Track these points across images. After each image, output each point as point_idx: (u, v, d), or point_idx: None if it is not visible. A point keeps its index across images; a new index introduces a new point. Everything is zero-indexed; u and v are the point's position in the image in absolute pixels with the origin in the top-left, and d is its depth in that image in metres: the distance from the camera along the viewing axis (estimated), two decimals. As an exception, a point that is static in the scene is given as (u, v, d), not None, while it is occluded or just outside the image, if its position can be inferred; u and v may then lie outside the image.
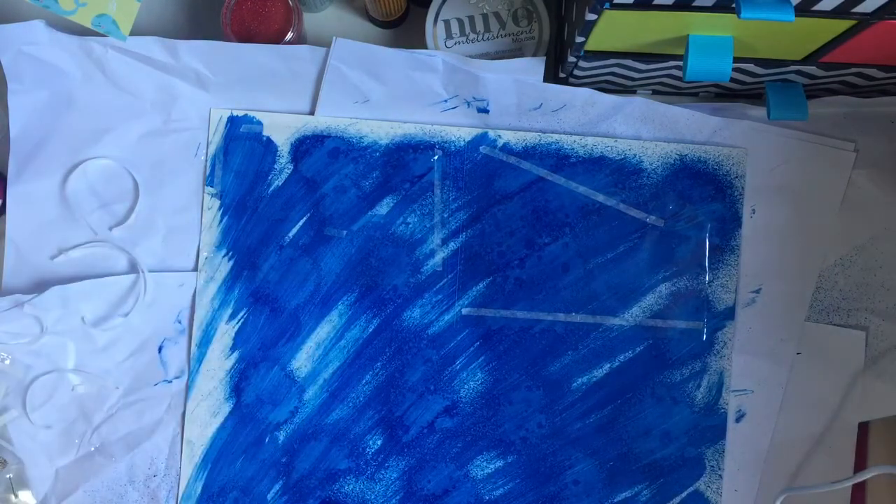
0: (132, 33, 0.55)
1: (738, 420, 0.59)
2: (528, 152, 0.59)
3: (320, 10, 0.62)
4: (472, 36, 0.58)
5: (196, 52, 0.57)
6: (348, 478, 0.59)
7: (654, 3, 0.43)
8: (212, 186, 0.59)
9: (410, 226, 0.59)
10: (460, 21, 0.58)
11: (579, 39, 0.50)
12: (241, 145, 0.59)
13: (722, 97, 0.61)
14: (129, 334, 0.58)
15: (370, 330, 0.59)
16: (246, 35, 0.57)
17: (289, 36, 0.57)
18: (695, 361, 0.59)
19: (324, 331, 0.59)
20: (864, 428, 0.60)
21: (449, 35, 0.58)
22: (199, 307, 0.59)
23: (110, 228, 0.59)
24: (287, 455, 0.59)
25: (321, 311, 0.59)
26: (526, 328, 0.59)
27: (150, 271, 0.58)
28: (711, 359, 0.59)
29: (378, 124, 0.59)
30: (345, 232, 0.59)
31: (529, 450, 0.59)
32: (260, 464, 0.59)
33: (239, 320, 0.59)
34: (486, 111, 0.59)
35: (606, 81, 0.59)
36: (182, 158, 0.59)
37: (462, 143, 0.59)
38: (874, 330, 0.59)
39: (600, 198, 0.59)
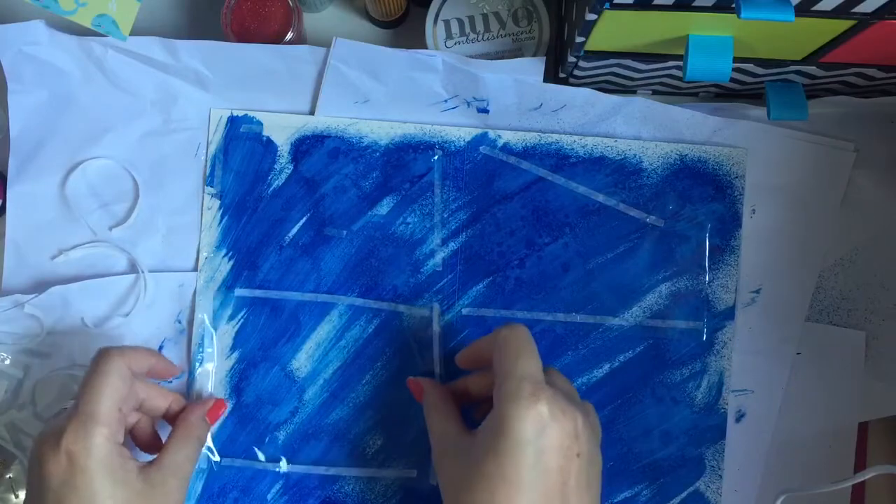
0: (132, 33, 0.55)
1: (738, 420, 0.59)
2: (528, 152, 0.59)
3: (320, 10, 0.62)
4: (472, 36, 0.58)
5: (196, 52, 0.57)
6: (348, 478, 0.59)
7: (654, 3, 0.43)
8: (212, 186, 0.59)
9: (410, 226, 0.59)
10: (460, 21, 0.58)
11: (579, 39, 0.50)
12: (241, 145, 0.59)
13: (722, 97, 0.61)
14: (129, 334, 0.58)
15: (370, 330, 0.59)
16: (246, 35, 0.57)
17: (289, 36, 0.57)
18: (695, 361, 0.59)
19: (324, 331, 0.59)
20: (864, 428, 0.60)
21: (449, 35, 0.58)
22: (199, 307, 0.59)
23: (110, 228, 0.59)
24: (287, 455, 0.58)
25: (321, 311, 0.59)
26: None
27: (150, 271, 0.58)
28: (711, 359, 0.59)
29: (378, 124, 0.59)
30: (345, 232, 0.59)
31: (529, 450, 0.59)
32: (260, 464, 0.58)
33: (239, 320, 0.59)
34: (486, 111, 0.59)
35: (606, 81, 0.59)
36: (182, 158, 0.59)
37: (462, 143, 0.59)
38: (874, 330, 0.59)
39: (600, 198, 0.59)
